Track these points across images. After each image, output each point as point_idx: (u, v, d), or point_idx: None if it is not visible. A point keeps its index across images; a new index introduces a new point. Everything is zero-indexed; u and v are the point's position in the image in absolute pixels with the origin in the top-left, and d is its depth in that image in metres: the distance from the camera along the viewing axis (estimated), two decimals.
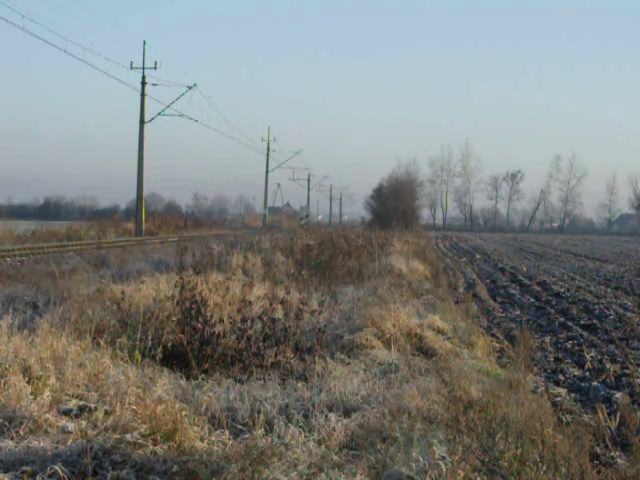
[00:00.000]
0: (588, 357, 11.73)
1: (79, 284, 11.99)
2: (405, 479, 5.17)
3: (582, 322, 15.70)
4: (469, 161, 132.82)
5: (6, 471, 4.96)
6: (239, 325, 8.68)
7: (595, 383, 10.01)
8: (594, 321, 15.79)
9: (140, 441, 5.41)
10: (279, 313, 9.25)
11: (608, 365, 10.98)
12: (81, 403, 6.36)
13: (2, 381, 6.40)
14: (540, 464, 5.40)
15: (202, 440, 5.69)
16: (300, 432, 5.93)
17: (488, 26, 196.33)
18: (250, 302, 9.70)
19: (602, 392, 9.46)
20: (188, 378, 7.70)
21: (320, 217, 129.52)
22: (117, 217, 60.95)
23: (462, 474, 5.13)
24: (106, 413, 6.06)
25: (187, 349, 8.15)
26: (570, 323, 15.57)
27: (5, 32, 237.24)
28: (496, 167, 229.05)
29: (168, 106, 46.92)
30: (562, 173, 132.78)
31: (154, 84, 46.08)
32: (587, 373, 10.81)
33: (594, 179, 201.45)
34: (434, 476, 5.12)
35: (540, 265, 34.32)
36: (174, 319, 8.86)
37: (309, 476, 5.21)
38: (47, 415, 5.93)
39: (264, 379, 7.78)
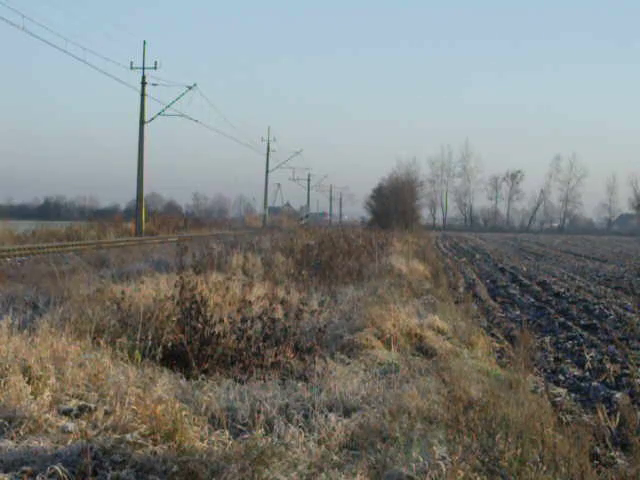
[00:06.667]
0: (588, 357, 11.73)
1: (79, 284, 12.00)
2: (405, 479, 5.17)
3: (582, 322, 15.69)
4: (469, 161, 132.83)
5: (6, 471, 4.96)
6: (239, 325, 8.67)
7: (595, 383, 10.01)
8: (594, 321, 15.79)
9: (140, 441, 5.41)
10: (279, 313, 9.24)
11: (608, 365, 10.98)
12: (81, 403, 6.36)
13: (2, 381, 6.40)
14: (540, 464, 5.41)
15: (202, 440, 5.69)
16: (300, 432, 5.93)
17: (489, 26, 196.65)
18: (250, 302, 9.70)
19: (602, 392, 9.46)
20: (188, 378, 7.69)
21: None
22: (117, 217, 60.82)
23: (462, 474, 5.13)
24: (106, 413, 6.05)
25: (187, 349, 8.14)
26: (570, 323, 15.56)
27: (5, 32, 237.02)
28: (496, 167, 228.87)
29: (168, 106, 47.00)
30: (562, 173, 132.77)
31: (154, 84, 46.18)
32: (587, 373, 10.81)
33: (594, 179, 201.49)
34: (434, 476, 5.12)
35: (540, 265, 34.32)
36: (174, 319, 8.86)
37: (309, 476, 5.21)
38: (47, 415, 5.93)
39: (264, 379, 7.77)
